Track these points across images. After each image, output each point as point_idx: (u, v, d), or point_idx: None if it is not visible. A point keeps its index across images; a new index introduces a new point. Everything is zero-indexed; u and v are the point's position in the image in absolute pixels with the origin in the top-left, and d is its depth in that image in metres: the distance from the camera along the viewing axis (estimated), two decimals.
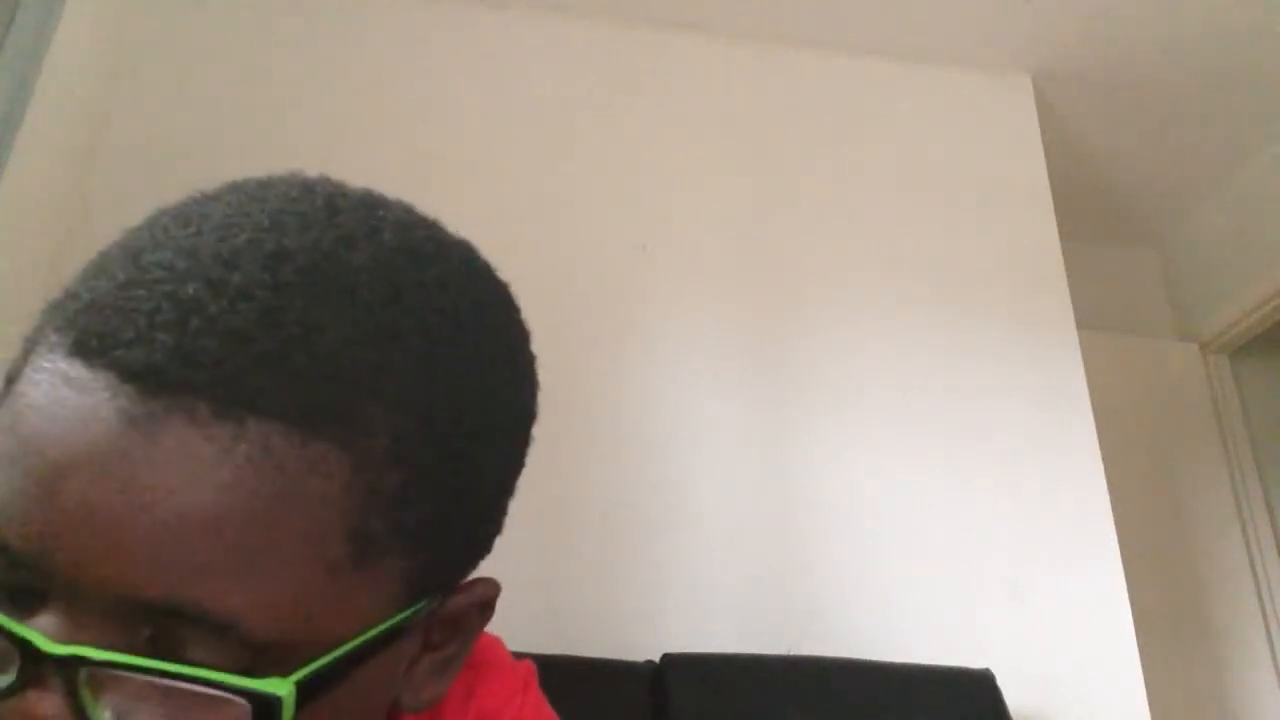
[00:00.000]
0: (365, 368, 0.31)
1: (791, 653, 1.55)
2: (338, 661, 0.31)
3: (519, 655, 0.52)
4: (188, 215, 0.34)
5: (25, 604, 0.29)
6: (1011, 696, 1.49)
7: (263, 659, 0.29)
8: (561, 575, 1.59)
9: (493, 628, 0.54)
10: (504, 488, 0.39)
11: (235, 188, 0.36)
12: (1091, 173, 2.50)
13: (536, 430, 0.40)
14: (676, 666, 1.45)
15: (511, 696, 0.48)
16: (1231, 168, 2.47)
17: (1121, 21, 2.06)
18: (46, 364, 0.30)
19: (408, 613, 0.34)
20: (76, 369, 0.30)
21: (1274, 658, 2.32)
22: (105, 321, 0.30)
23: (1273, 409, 2.59)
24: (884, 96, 2.15)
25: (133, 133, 1.82)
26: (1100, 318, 2.44)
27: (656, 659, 1.47)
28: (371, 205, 0.36)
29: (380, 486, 0.32)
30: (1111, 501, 1.79)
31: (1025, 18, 2.06)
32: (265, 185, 0.36)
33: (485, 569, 0.40)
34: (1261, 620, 2.35)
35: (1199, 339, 2.62)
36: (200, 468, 0.29)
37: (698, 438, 1.75)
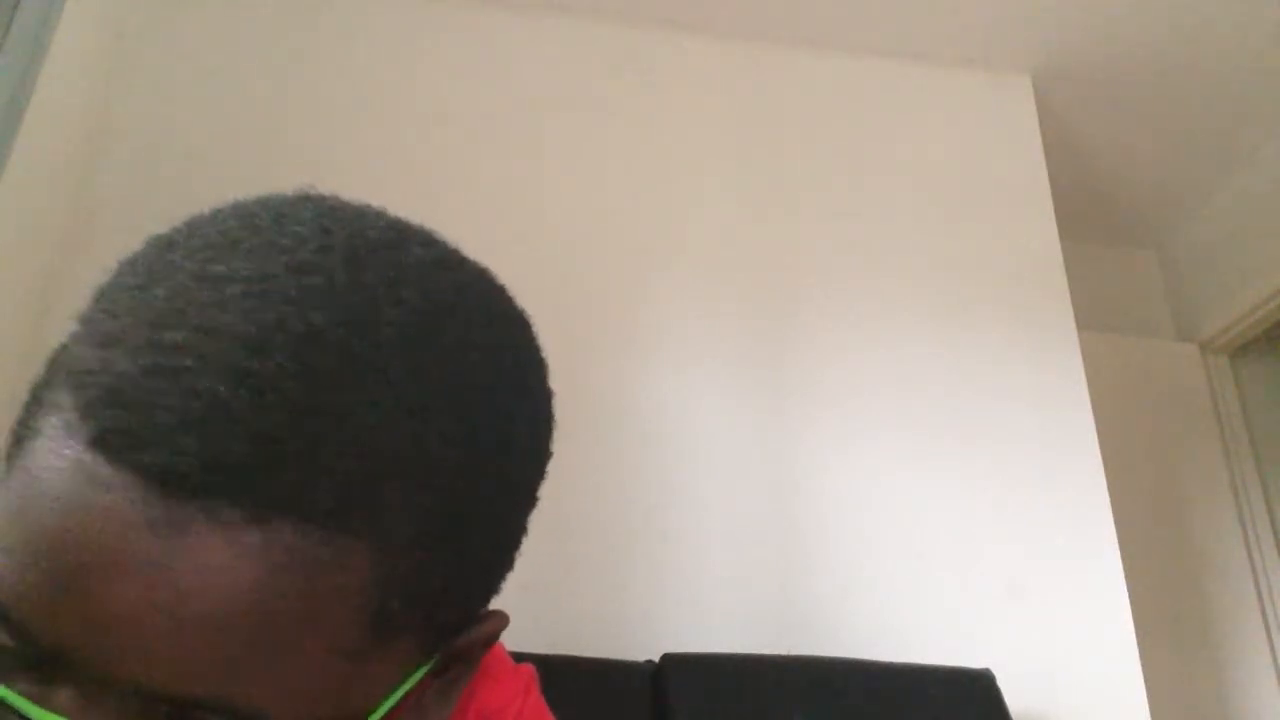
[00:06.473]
0: (393, 455, 0.31)
1: (791, 653, 1.55)
2: None
3: (519, 656, 0.52)
4: (203, 270, 0.32)
5: (46, 675, 0.29)
6: (1011, 696, 1.49)
7: None
8: (562, 575, 1.60)
9: None
10: (520, 534, 0.38)
11: (248, 224, 0.34)
12: (1091, 173, 2.50)
13: None
14: (676, 666, 1.45)
15: (513, 698, 0.48)
16: (1231, 168, 2.47)
17: (1121, 21, 2.06)
18: (67, 450, 0.29)
19: (428, 666, 0.34)
20: (99, 464, 0.28)
21: (1274, 658, 2.32)
22: (128, 416, 0.29)
23: (1273, 409, 2.59)
24: (884, 96, 2.15)
25: (133, 132, 1.82)
26: (1100, 318, 2.44)
27: (656, 659, 1.47)
28: (392, 248, 0.34)
29: (402, 570, 0.31)
30: (1111, 501, 1.79)
31: (1025, 18, 2.07)
32: (279, 223, 0.34)
33: None
34: (1261, 620, 2.35)
35: (1199, 339, 2.62)
36: (229, 572, 0.28)
37: (698, 437, 1.75)
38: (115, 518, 0.28)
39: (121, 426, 0.28)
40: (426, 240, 0.37)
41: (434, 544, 0.32)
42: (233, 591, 0.28)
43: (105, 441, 0.29)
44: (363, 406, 0.30)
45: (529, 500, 0.38)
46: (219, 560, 0.28)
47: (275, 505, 0.29)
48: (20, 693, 0.29)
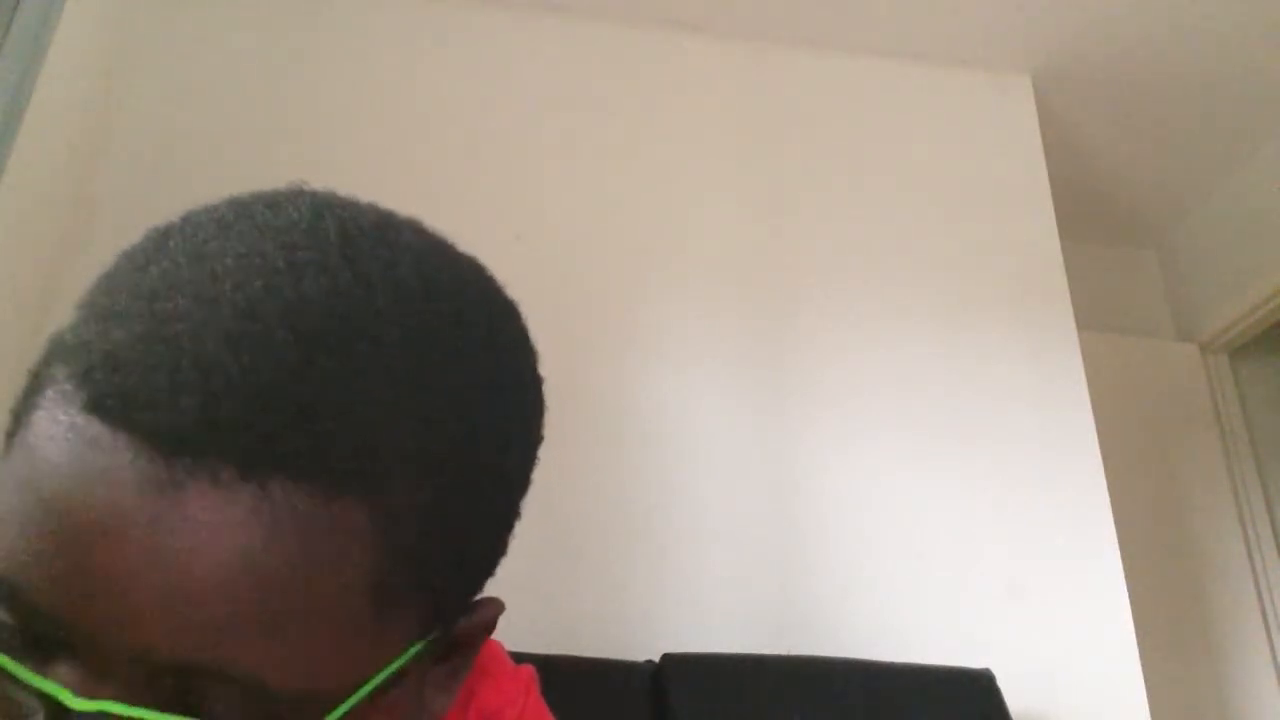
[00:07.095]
0: (388, 422, 0.31)
1: (791, 653, 1.55)
2: (359, 702, 0.31)
3: (519, 656, 0.53)
4: (199, 250, 0.32)
5: (45, 650, 0.29)
6: (1011, 696, 1.49)
7: (286, 709, 0.30)
8: (562, 575, 1.60)
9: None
10: (513, 515, 0.39)
11: (242, 211, 0.34)
12: (1091, 173, 2.50)
13: None
14: (676, 666, 1.45)
15: (514, 698, 0.48)
16: (1231, 167, 2.47)
17: (1121, 21, 2.06)
18: (62, 417, 0.29)
19: (423, 644, 0.34)
20: (95, 427, 0.29)
21: (1274, 658, 2.32)
22: (124, 380, 0.29)
23: (1273, 409, 2.59)
24: (884, 96, 2.15)
25: (133, 132, 1.82)
26: (1100, 318, 2.44)
27: (656, 659, 1.47)
28: (384, 230, 0.35)
29: (401, 539, 0.32)
30: (1111, 501, 1.79)
31: (1025, 18, 2.07)
32: (274, 208, 0.34)
33: None
34: (1261, 620, 2.35)
35: (1199, 339, 2.62)
36: (226, 532, 0.28)
37: (698, 437, 1.75)
38: (111, 479, 0.28)
39: (117, 389, 0.29)
40: (418, 229, 0.38)
41: (432, 517, 0.32)
42: (230, 551, 0.28)
43: (101, 405, 0.29)
44: (355, 374, 0.30)
45: (523, 484, 0.39)
46: (216, 519, 0.28)
47: (271, 464, 0.29)
48: (22, 663, 0.29)
